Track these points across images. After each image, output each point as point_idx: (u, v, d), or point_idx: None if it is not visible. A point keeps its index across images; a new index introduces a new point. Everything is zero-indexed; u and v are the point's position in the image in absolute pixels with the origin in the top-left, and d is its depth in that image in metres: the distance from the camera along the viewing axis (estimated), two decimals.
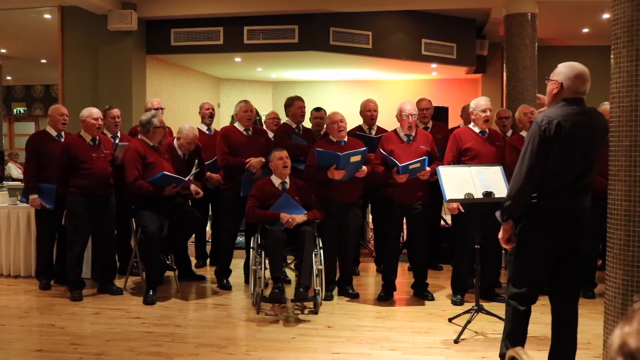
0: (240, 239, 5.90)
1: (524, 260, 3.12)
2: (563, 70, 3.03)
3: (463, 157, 4.72)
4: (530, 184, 2.97)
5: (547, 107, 3.13)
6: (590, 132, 2.98)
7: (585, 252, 3.13)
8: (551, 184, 2.99)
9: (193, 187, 5.31)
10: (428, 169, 4.80)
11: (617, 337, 0.91)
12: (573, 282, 3.14)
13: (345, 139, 5.05)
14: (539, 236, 3.04)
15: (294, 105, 5.65)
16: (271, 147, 5.38)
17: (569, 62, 3.08)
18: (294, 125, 5.64)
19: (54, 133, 5.43)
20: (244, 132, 5.39)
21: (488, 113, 4.70)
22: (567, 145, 2.93)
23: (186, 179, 5.05)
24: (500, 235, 3.14)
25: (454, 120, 7.47)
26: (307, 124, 5.92)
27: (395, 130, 5.02)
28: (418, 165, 4.70)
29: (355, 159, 4.77)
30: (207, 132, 6.13)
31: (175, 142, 5.41)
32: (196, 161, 5.43)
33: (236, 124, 5.46)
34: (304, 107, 5.69)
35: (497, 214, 3.15)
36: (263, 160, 5.21)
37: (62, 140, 5.39)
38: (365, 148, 4.93)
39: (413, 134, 4.94)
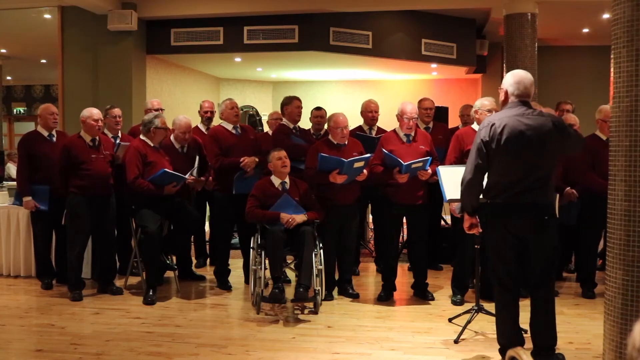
0: (235, 240, 5.89)
1: (489, 252, 3.49)
2: (507, 78, 3.39)
3: (466, 159, 4.69)
4: (475, 179, 3.33)
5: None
6: (528, 133, 3.22)
7: (551, 247, 3.34)
8: (498, 181, 3.30)
9: (191, 178, 5.23)
10: (429, 169, 4.79)
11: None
12: (539, 277, 3.35)
13: (346, 142, 5.04)
14: (493, 230, 3.36)
15: (292, 104, 5.55)
16: (260, 145, 5.37)
17: (514, 70, 3.44)
18: (291, 126, 5.61)
19: (45, 133, 5.41)
20: (233, 131, 5.36)
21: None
22: (504, 145, 3.23)
23: (186, 176, 5.05)
24: (464, 225, 3.49)
25: (454, 120, 7.46)
26: (305, 124, 5.90)
27: (394, 130, 5.01)
28: (420, 164, 4.70)
29: (358, 164, 4.77)
30: (205, 132, 6.11)
31: (172, 137, 5.40)
32: (197, 157, 5.40)
33: (223, 123, 5.42)
34: (302, 108, 5.64)
35: (454, 206, 3.66)
36: (257, 160, 5.21)
37: (54, 140, 5.39)
38: (369, 155, 4.90)
39: (413, 133, 4.93)
